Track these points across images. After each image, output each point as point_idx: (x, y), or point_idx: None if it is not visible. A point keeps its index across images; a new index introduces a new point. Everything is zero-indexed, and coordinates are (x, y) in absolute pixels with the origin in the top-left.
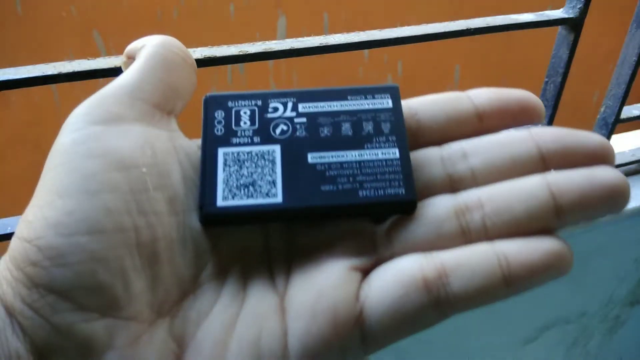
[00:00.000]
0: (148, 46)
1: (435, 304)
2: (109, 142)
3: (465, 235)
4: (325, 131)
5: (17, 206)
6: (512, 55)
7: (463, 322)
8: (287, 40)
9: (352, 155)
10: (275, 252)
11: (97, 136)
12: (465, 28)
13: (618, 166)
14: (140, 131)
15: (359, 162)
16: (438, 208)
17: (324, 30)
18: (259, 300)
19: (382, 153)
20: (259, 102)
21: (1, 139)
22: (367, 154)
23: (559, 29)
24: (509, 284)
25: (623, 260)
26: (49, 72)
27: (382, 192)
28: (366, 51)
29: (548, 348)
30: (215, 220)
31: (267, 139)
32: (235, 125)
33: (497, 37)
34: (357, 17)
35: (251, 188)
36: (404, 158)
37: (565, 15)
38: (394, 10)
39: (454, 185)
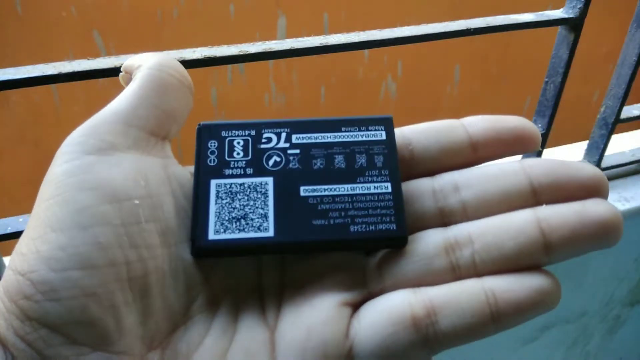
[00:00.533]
0: (144, 67)
1: (423, 342)
2: (101, 173)
3: (455, 271)
4: (318, 163)
5: (17, 206)
6: (512, 55)
7: None
8: (287, 40)
9: (344, 188)
10: (266, 284)
11: (89, 167)
12: (465, 28)
13: (618, 166)
14: (133, 161)
15: (351, 195)
16: (428, 243)
17: (324, 30)
18: (250, 334)
19: (375, 187)
20: (253, 132)
21: (1, 139)
22: (359, 188)
23: (559, 29)
24: (496, 321)
25: (623, 260)
26: (49, 72)
27: (373, 227)
28: (366, 51)
29: (548, 348)
30: (207, 254)
31: (260, 171)
32: (228, 155)
33: (497, 37)
34: (357, 17)
35: (243, 221)
36: (396, 193)
37: (565, 15)
38: (394, 10)
39: (444, 218)
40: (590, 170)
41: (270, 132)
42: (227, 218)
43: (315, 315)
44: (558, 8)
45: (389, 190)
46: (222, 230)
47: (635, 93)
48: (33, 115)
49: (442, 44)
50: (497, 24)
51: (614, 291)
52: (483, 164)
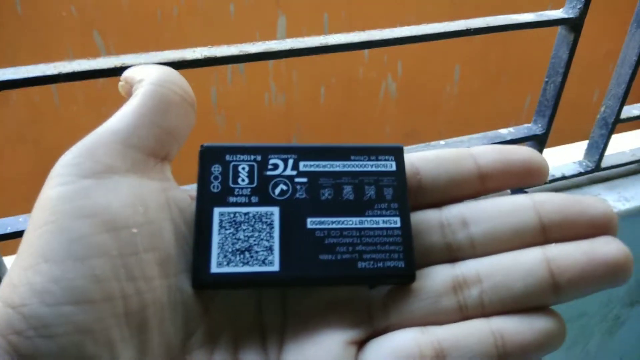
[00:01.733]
0: (146, 83)
1: None
2: (98, 200)
3: (462, 310)
4: (326, 194)
5: (16, 206)
6: (512, 55)
7: None
8: (287, 40)
9: (352, 222)
10: (268, 318)
11: (86, 192)
12: (465, 28)
13: (618, 166)
14: (132, 185)
15: (359, 229)
16: (436, 281)
17: (324, 30)
18: None
19: (384, 221)
20: (259, 157)
21: (1, 138)
22: (367, 222)
23: (559, 29)
24: None
25: None
26: (49, 72)
27: (381, 264)
28: (366, 51)
29: None
30: (208, 286)
31: (266, 200)
32: (232, 182)
33: (497, 37)
34: (357, 17)
35: (247, 254)
36: (405, 228)
37: (565, 15)
38: (394, 10)
39: (452, 253)
40: (601, 207)
41: (277, 157)
42: (230, 250)
43: (321, 354)
44: (558, 8)
45: (398, 225)
46: (225, 262)
47: (635, 93)
48: (33, 115)
49: (442, 44)
50: (497, 24)
51: (614, 291)
52: (492, 197)
